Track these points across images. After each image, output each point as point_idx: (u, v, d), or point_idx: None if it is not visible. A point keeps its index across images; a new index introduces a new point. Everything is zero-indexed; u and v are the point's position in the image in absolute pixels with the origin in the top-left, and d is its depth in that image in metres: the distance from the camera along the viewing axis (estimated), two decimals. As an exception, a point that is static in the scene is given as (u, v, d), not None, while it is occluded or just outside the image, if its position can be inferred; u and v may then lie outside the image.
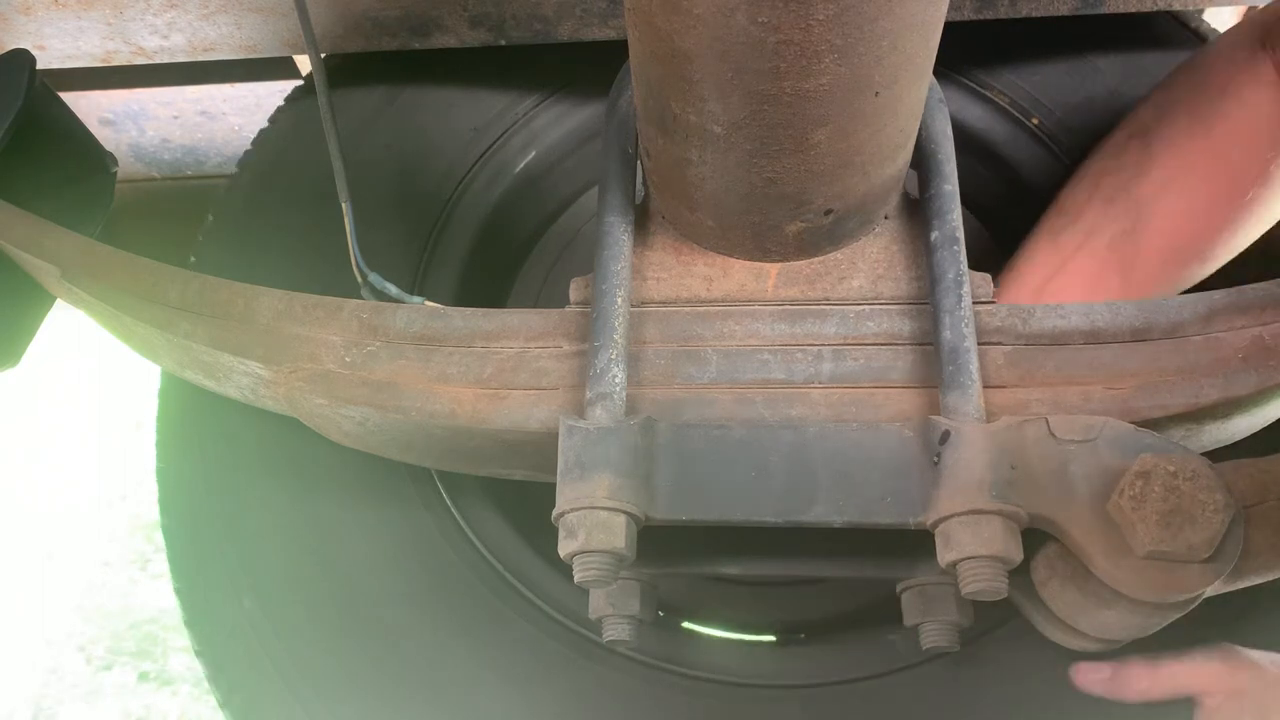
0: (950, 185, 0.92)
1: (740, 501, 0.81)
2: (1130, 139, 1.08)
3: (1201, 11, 1.26)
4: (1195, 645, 0.89)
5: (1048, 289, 1.08)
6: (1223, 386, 0.84)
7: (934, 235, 0.89)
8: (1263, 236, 1.05)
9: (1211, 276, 1.06)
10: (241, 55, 1.27)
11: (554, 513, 0.81)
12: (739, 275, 0.94)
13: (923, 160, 0.94)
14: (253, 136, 1.28)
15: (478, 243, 1.24)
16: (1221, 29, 1.28)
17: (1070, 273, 1.07)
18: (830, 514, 0.80)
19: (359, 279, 1.07)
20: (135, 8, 1.21)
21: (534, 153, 1.27)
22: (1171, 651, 0.87)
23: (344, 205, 1.08)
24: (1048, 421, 0.80)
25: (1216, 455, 0.83)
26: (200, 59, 1.28)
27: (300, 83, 1.33)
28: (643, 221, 0.97)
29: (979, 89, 1.25)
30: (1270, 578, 0.81)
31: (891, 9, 0.69)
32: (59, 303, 1.12)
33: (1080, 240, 1.06)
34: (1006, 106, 1.24)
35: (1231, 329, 0.86)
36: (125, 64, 1.28)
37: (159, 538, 1.13)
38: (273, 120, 1.29)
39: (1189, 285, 1.06)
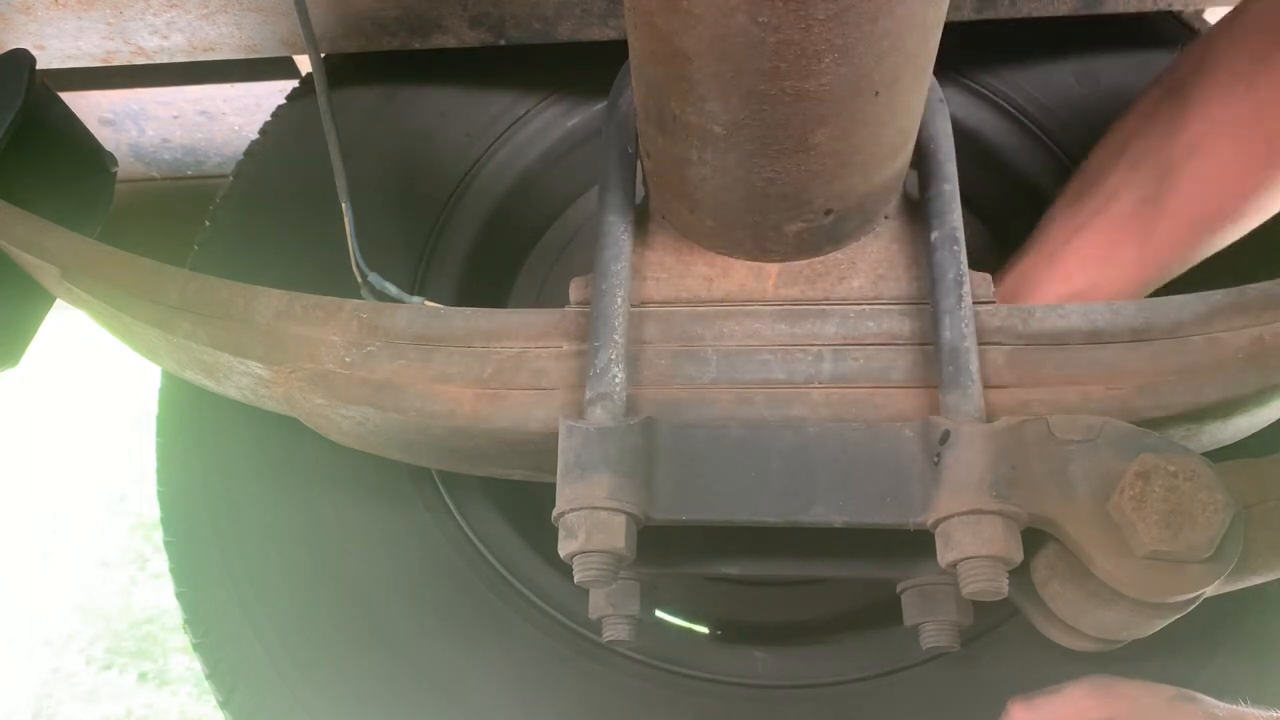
0: (950, 185, 0.92)
1: (740, 502, 0.81)
2: (1164, 98, 1.02)
3: (1202, 12, 1.26)
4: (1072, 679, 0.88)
5: (1061, 254, 1.03)
6: (1223, 386, 0.84)
7: (934, 235, 0.89)
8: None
9: (1214, 276, 1.05)
10: (241, 55, 1.27)
11: (554, 513, 0.81)
12: (739, 275, 0.94)
13: (923, 160, 0.94)
14: (252, 136, 1.28)
15: (478, 243, 1.24)
16: (1221, 29, 1.28)
17: (1085, 237, 1.02)
18: (830, 514, 0.80)
19: (359, 279, 1.07)
20: (135, 8, 1.21)
21: (534, 152, 1.27)
22: (1047, 688, 0.87)
23: (344, 205, 1.08)
24: (1048, 421, 0.80)
25: (1216, 455, 0.83)
26: (200, 59, 1.28)
27: (297, 83, 1.33)
28: (643, 221, 0.97)
29: (978, 89, 1.25)
30: (1270, 578, 0.82)
31: (891, 9, 0.69)
32: (59, 303, 1.12)
33: (1100, 204, 1.01)
34: (1006, 107, 1.24)
35: (1232, 329, 0.86)
36: (125, 64, 1.28)
37: (158, 537, 1.13)
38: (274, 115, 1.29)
39: (1209, 254, 1.01)
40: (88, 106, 1.60)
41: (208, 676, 1.06)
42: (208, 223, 1.23)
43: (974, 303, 0.88)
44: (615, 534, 0.78)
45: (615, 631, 0.90)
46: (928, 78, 0.82)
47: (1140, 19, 1.24)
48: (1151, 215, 0.98)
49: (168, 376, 1.15)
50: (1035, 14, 1.19)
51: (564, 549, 0.79)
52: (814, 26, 0.68)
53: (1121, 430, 0.79)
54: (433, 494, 1.10)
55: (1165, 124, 1.00)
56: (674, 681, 1.02)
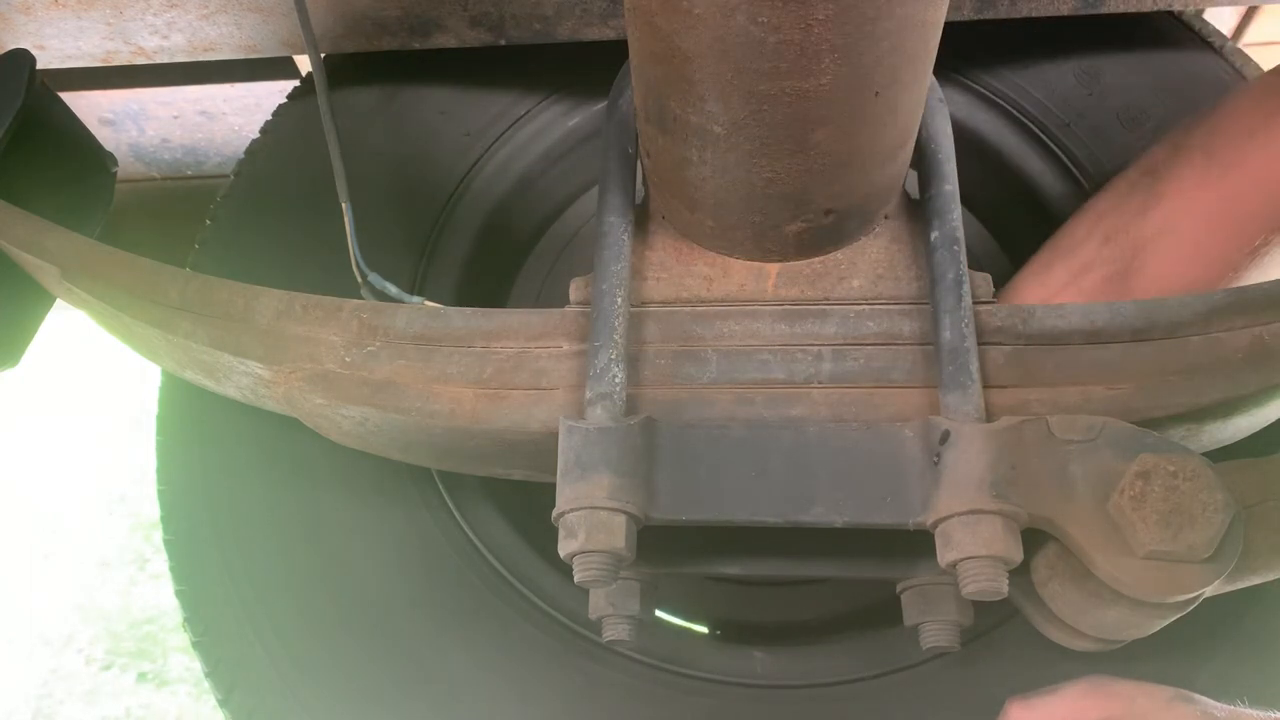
0: (950, 185, 0.92)
1: (740, 502, 0.81)
2: (1139, 179, 1.04)
3: (1202, 11, 1.26)
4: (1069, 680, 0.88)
5: None
6: (1223, 386, 0.84)
7: (934, 235, 0.89)
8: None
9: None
10: (241, 55, 1.27)
11: (554, 513, 0.81)
12: (739, 275, 0.94)
13: (923, 160, 0.94)
14: (253, 136, 1.28)
15: (478, 243, 1.24)
16: (1222, 29, 1.28)
17: None
18: (830, 514, 0.80)
19: (359, 279, 1.08)
20: (135, 8, 1.21)
21: (534, 152, 1.27)
22: (1045, 688, 0.87)
23: (344, 205, 1.08)
24: (1048, 421, 0.80)
25: (1216, 455, 0.83)
26: (200, 59, 1.28)
27: (298, 83, 1.33)
28: (643, 221, 0.97)
29: (978, 89, 1.25)
30: (1270, 578, 0.82)
31: (891, 9, 0.69)
32: (59, 303, 1.12)
33: (1069, 276, 1.04)
34: (1006, 107, 1.24)
35: (1231, 329, 0.86)
36: (125, 64, 1.28)
37: (158, 537, 1.13)
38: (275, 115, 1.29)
39: None
40: (88, 106, 1.60)
41: (207, 675, 1.06)
42: (208, 222, 1.23)
43: (974, 303, 0.88)
44: (615, 534, 0.78)
45: (615, 631, 0.90)
46: (928, 78, 0.82)
47: (1140, 19, 1.24)
48: (1119, 291, 1.00)
49: (168, 376, 1.15)
50: (1035, 14, 1.19)
51: (564, 549, 0.79)
52: (814, 26, 0.68)
53: (1121, 430, 0.79)
54: (433, 494, 1.10)
55: (1139, 203, 1.02)
56: (674, 681, 1.02)
